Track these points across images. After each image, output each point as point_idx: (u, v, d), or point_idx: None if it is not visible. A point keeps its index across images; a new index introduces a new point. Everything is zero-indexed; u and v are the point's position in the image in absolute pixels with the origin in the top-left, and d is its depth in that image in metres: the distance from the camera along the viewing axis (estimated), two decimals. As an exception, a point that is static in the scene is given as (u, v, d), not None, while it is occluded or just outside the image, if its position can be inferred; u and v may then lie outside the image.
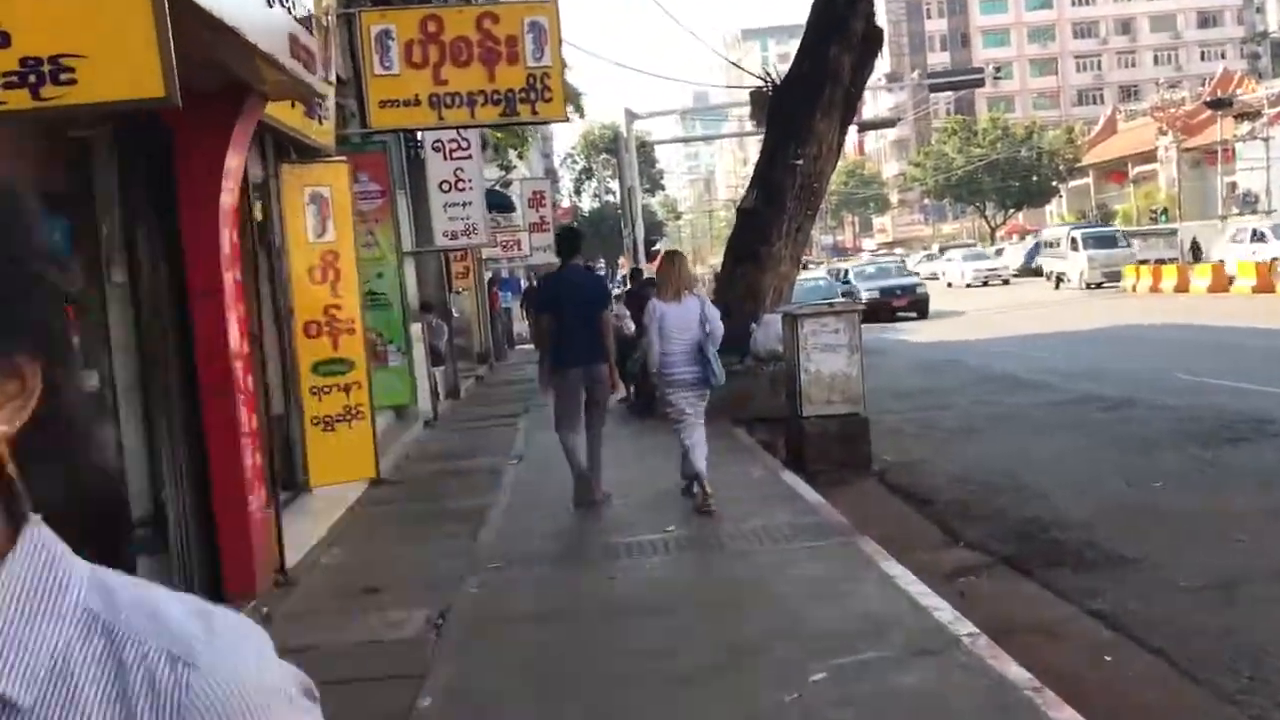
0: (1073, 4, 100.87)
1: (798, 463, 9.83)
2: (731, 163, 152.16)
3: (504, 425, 13.18)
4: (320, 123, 9.46)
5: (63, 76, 3.11)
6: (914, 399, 13.70)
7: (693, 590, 5.77)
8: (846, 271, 35.50)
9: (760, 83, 13.45)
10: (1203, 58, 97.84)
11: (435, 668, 4.88)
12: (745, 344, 12.82)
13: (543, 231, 28.45)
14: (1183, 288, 30.14)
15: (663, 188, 79.29)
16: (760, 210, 13.09)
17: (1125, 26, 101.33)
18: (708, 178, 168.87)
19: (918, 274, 38.23)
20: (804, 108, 12.78)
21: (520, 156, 33.91)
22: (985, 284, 42.26)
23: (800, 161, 12.82)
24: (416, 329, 13.51)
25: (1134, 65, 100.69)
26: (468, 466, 10.47)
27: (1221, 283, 29.16)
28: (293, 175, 9.53)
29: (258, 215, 9.24)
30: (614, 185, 60.56)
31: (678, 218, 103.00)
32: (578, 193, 70.55)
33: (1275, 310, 21.28)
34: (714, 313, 8.07)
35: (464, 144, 13.33)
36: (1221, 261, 31.03)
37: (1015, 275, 45.35)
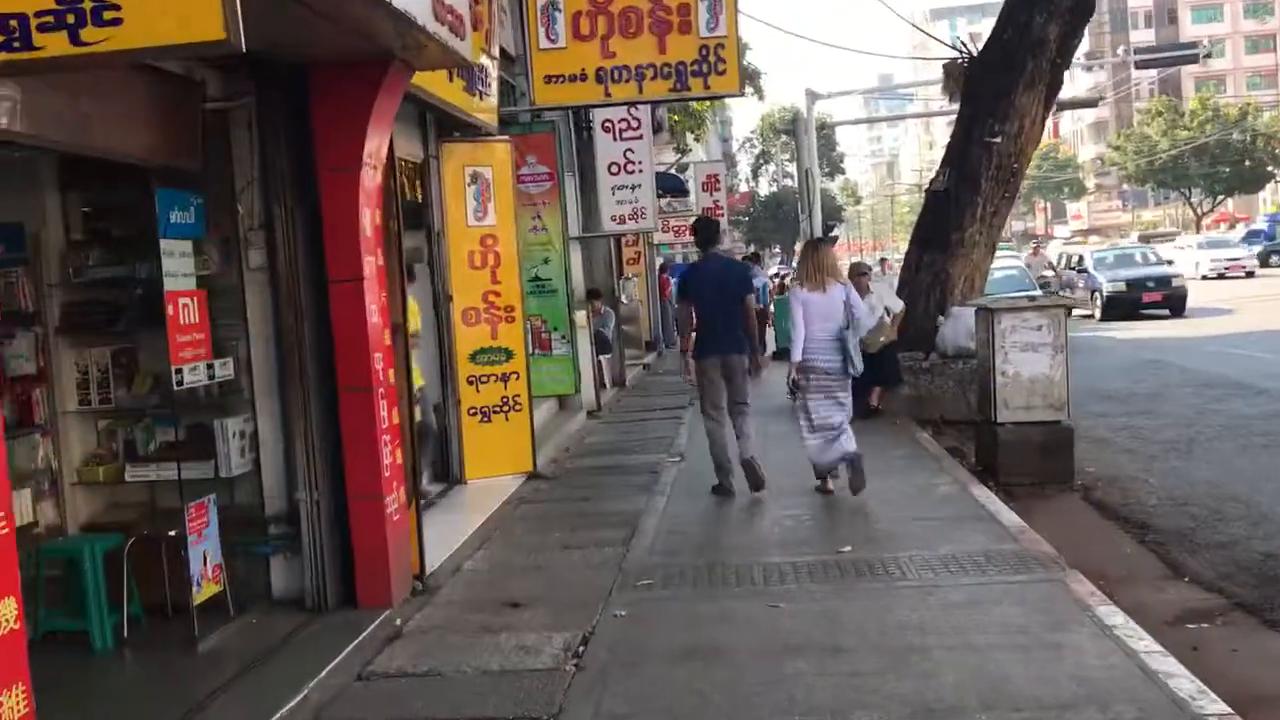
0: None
1: (990, 474, 8.86)
2: (916, 146, 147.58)
3: (669, 418, 12.56)
4: (481, 99, 9.02)
5: (106, 15, 2.61)
6: (1120, 403, 12.41)
7: (870, 630, 4.98)
8: (1080, 259, 28.98)
9: (954, 54, 12.39)
10: None
11: (569, 711, 4.27)
12: (931, 339, 11.84)
13: (717, 216, 27.73)
14: None
15: (843, 171, 77.14)
16: (952, 191, 12.04)
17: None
18: (890, 161, 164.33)
19: (1171, 262, 30.65)
20: (1004, 81, 11.66)
21: (697, 139, 33.24)
22: (1222, 276, 36.06)
23: (998, 139, 11.72)
24: (581, 316, 13.05)
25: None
26: (627, 463, 9.89)
27: None
28: (453, 154, 9.14)
29: (414, 196, 8.89)
30: (792, 169, 59.37)
31: (858, 202, 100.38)
32: (755, 177, 69.39)
33: None
34: (859, 301, 8.03)
35: (634, 124, 12.74)
36: None
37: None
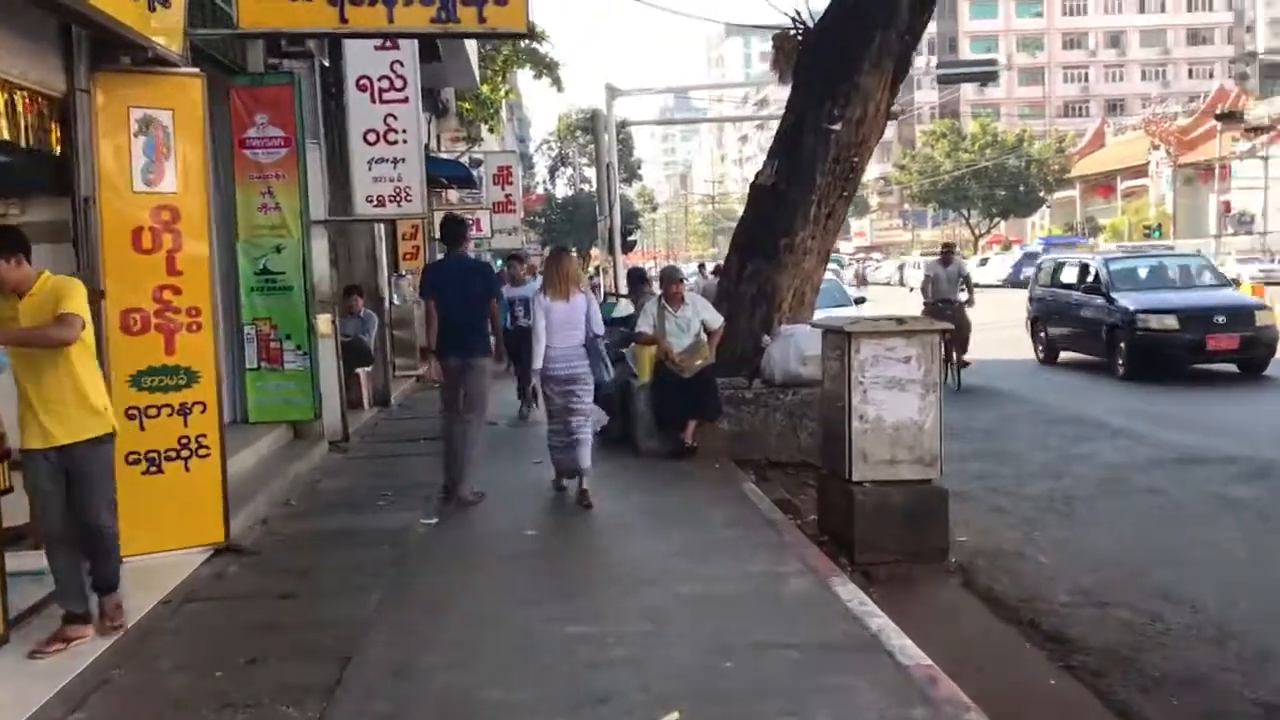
0: (1063, 14, 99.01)
1: (839, 545, 6.81)
2: (710, 159, 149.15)
3: (435, 453, 10.02)
4: (154, 10, 6.28)
5: None
6: (961, 442, 10.64)
7: None
8: (1086, 269, 17.01)
9: (788, 23, 10.37)
10: (1191, 75, 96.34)
11: None
12: (756, 362, 9.76)
13: (508, 212, 25.24)
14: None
15: (640, 177, 75.78)
16: (781, 188, 10.01)
17: (1115, 40, 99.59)
18: (684, 172, 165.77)
19: (1237, 282, 21.23)
20: (846, 56, 9.72)
21: (491, 131, 30.62)
22: None
23: (837, 127, 9.76)
24: (325, 321, 10.34)
25: (1121, 79, 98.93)
26: (364, 527, 7.30)
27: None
28: (112, 89, 6.33)
29: (51, 145, 6.08)
30: (589, 174, 57.84)
31: (654, 209, 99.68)
32: (552, 179, 67.20)
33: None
34: (597, 314, 8.06)
35: (399, 83, 10.14)
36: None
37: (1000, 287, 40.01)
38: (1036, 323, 18.11)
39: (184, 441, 6.61)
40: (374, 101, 10.19)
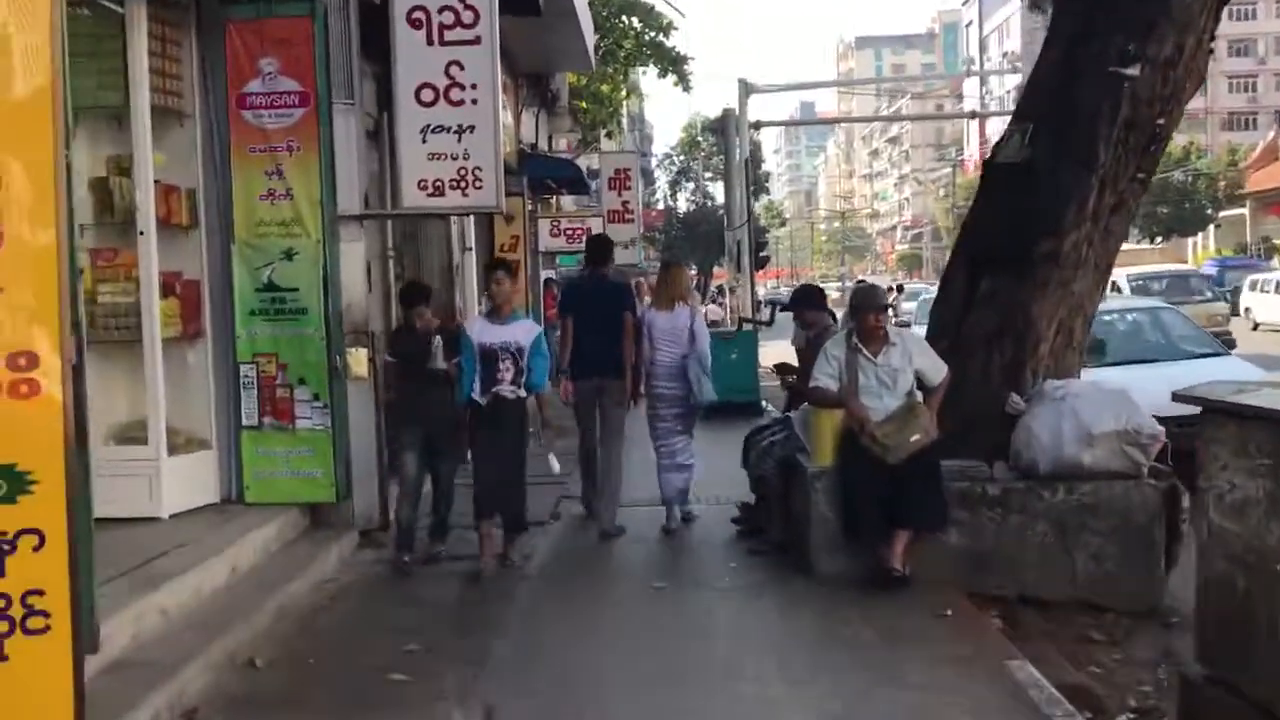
0: (1229, 18, 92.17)
1: None
2: (838, 173, 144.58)
3: (507, 564, 6.78)
4: None
5: None
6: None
7: None
8: None
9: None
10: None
11: None
12: (998, 438, 6.23)
13: (626, 222, 21.97)
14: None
15: (767, 192, 72.25)
16: (1038, 167, 6.49)
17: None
18: (809, 190, 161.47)
19: None
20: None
21: (609, 136, 27.65)
22: None
23: (1134, 71, 6.23)
24: (360, 357, 7.16)
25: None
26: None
27: None
28: None
29: None
30: (713, 189, 55.27)
31: (782, 224, 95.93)
32: (674, 194, 64.28)
33: None
34: (702, 328, 7.56)
35: (467, 16, 6.97)
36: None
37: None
38: None
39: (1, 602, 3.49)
40: (432, 43, 7.01)
